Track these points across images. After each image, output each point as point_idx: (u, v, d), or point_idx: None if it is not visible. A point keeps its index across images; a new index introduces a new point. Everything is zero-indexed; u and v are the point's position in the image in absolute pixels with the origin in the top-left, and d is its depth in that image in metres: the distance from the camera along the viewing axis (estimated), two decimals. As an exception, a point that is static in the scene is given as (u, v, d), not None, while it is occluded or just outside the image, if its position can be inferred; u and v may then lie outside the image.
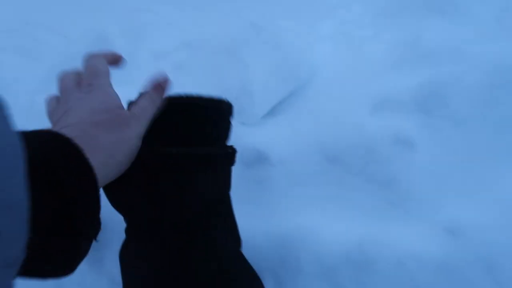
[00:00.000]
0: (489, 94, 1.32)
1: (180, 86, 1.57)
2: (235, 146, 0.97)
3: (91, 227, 0.49)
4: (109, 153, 0.55)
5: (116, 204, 0.79)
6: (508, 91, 1.30)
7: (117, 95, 0.74)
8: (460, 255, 1.08)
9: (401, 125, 1.32)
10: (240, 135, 1.39)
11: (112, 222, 1.22)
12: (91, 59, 0.80)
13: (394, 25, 1.76)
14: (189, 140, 0.83)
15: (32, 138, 0.47)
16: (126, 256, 0.80)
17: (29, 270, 0.40)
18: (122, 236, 0.87)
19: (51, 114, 0.75)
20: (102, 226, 0.61)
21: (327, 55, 1.70)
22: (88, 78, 0.75)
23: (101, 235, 1.21)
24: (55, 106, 0.75)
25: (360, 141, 1.32)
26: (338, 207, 1.26)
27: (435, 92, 1.34)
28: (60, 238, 0.43)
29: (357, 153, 1.31)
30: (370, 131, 1.33)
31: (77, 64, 1.70)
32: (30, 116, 1.49)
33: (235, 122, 1.43)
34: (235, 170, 1.20)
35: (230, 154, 0.94)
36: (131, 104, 0.86)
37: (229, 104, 0.99)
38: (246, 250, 1.20)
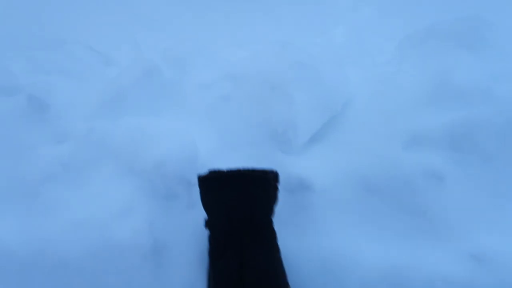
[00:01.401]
0: (513, 132, 1.50)
1: (226, 117, 1.76)
2: (281, 174, 1.38)
3: None
4: None
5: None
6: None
7: None
8: (485, 279, 1.27)
9: (433, 160, 1.52)
10: (284, 164, 1.58)
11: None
12: None
13: (421, 56, 1.94)
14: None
15: None
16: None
17: None
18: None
19: None
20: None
21: (359, 86, 1.88)
22: None
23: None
24: None
25: (395, 173, 1.52)
26: (375, 233, 1.46)
27: (466, 131, 1.54)
28: None
29: (392, 184, 1.51)
30: (404, 165, 1.53)
31: (127, 90, 1.91)
32: (89, 142, 1.67)
33: (279, 152, 1.62)
34: (281, 197, 1.42)
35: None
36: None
37: (275, 173, 1.25)
38: (291, 270, 1.40)
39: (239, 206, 1.32)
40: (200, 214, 1.45)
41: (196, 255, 1.47)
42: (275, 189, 1.37)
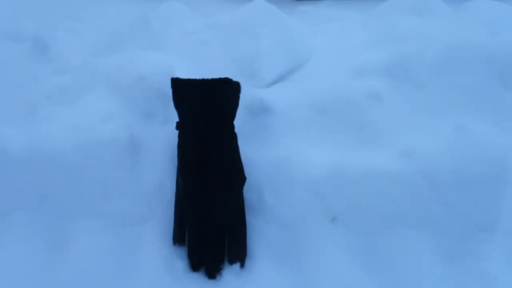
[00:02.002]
0: (442, 65, 1.79)
1: (205, 57, 2.06)
2: (244, 101, 1.67)
3: None
4: None
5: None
6: (455, 63, 1.78)
7: None
8: (411, 168, 1.52)
9: (373, 85, 1.81)
10: (250, 92, 1.86)
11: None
12: None
13: (377, 23, 2.27)
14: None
15: None
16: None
17: None
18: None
19: None
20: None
21: (322, 42, 2.20)
22: None
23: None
24: None
25: (342, 96, 1.81)
26: (324, 143, 1.72)
27: (401, 62, 1.84)
28: None
29: (339, 105, 1.80)
30: (349, 90, 1.81)
31: (121, 38, 2.24)
32: (83, 72, 1.96)
33: (247, 85, 1.90)
34: (244, 118, 1.69)
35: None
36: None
37: (237, 82, 1.58)
38: (252, 171, 1.64)
39: (205, 107, 1.58)
40: (173, 128, 1.72)
41: (168, 157, 1.72)
42: (237, 94, 1.64)
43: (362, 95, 1.79)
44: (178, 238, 1.61)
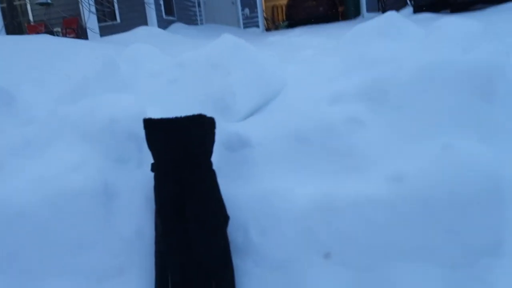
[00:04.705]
0: (419, 85, 1.81)
1: (176, 96, 2.07)
2: (221, 137, 1.63)
3: None
4: None
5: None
6: (430, 83, 1.80)
7: None
8: (403, 193, 1.49)
9: (353, 110, 1.79)
10: (226, 128, 1.84)
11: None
12: None
13: (349, 48, 2.32)
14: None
15: None
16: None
17: None
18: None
19: None
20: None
21: (295, 71, 2.23)
22: None
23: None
24: None
25: (321, 124, 1.78)
26: (307, 173, 1.67)
27: (378, 85, 1.84)
28: None
29: (319, 133, 1.76)
30: (328, 116, 1.79)
31: (88, 84, 2.24)
32: (51, 121, 1.91)
33: (221, 120, 1.89)
34: (222, 154, 1.66)
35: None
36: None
37: (211, 118, 1.54)
38: (235, 209, 1.59)
39: (180, 146, 1.54)
40: (149, 170, 1.66)
41: (145, 201, 1.65)
42: (212, 130, 1.61)
43: (341, 120, 1.77)
44: (161, 289, 1.52)
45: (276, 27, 11.01)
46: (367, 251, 1.50)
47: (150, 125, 1.55)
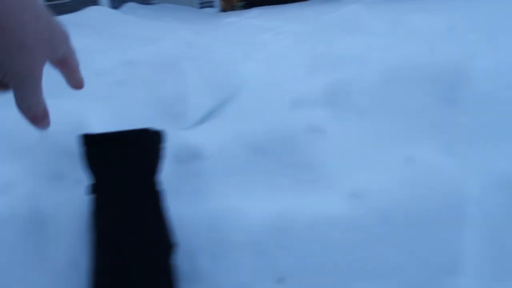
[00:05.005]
0: (384, 88, 1.70)
1: (122, 101, 1.86)
2: (171, 147, 1.44)
3: None
4: None
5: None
6: (398, 86, 1.69)
7: None
8: (363, 211, 1.39)
9: (314, 117, 1.66)
10: (176, 137, 1.67)
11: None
12: None
13: (311, 45, 2.17)
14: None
15: None
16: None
17: None
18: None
19: None
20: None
21: (254, 69, 2.06)
22: None
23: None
24: None
25: (280, 132, 1.64)
26: (262, 189, 1.54)
27: (341, 89, 1.71)
28: None
29: (278, 142, 1.62)
30: (288, 124, 1.65)
31: None
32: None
33: (172, 127, 1.72)
34: (172, 167, 1.50)
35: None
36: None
37: (158, 132, 1.32)
38: (184, 233, 1.45)
39: (123, 165, 1.38)
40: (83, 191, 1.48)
41: (80, 227, 1.48)
42: (159, 145, 1.44)
43: (301, 129, 1.63)
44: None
45: (233, 7, 10.64)
46: (326, 273, 1.40)
47: (88, 141, 1.36)
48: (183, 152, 1.64)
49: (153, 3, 8.39)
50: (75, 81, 0.49)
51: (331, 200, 1.45)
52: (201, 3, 10.90)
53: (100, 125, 1.62)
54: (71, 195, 1.51)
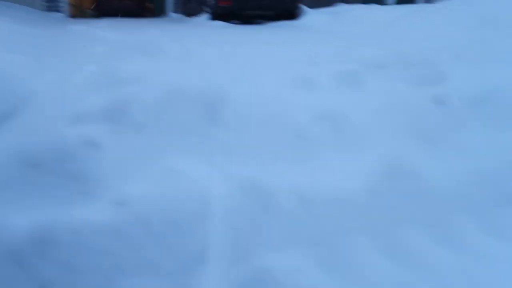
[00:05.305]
0: (161, 107, 1.92)
1: None
2: None
3: None
4: None
5: None
6: (171, 105, 1.92)
7: None
8: (125, 217, 1.55)
9: (92, 132, 1.78)
10: None
11: None
12: None
13: (102, 63, 2.29)
14: None
15: None
16: None
17: None
18: None
19: None
20: None
21: (45, 83, 2.09)
22: None
23: None
24: None
25: (57, 147, 1.71)
26: (29, 202, 1.58)
27: (121, 106, 1.87)
28: None
29: (53, 157, 1.69)
30: (67, 139, 1.74)
31: None
32: None
33: None
34: None
35: None
36: None
37: None
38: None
39: None
40: None
41: None
42: None
43: (78, 143, 1.72)
44: None
45: (83, 15, 10.30)
46: (90, 275, 1.51)
47: None
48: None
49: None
50: None
51: (97, 209, 1.58)
52: (49, 6, 10.20)
53: None
54: None
